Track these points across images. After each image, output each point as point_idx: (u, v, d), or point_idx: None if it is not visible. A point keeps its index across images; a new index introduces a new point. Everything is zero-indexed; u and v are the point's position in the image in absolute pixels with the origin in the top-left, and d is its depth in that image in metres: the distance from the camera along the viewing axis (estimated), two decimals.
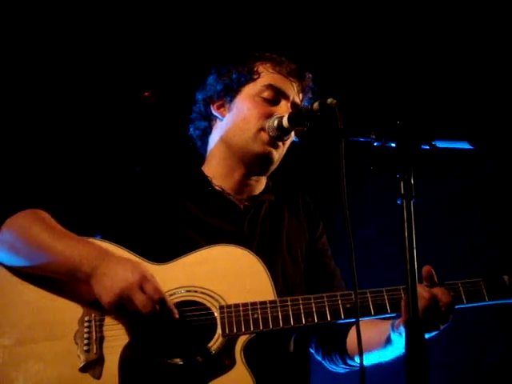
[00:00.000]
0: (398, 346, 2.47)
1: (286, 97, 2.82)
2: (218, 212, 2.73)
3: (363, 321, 2.48)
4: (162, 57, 4.53)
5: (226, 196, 2.79)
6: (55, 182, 4.23)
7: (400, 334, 2.40)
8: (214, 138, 2.91)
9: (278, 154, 2.79)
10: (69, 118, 4.47)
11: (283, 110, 2.77)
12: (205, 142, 2.96)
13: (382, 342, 2.53)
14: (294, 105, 2.83)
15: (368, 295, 2.44)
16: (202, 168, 2.90)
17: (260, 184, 2.89)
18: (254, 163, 2.78)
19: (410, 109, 4.37)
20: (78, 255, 2.40)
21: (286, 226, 2.83)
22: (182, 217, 2.67)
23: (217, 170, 2.84)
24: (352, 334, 2.68)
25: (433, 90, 4.51)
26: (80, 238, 2.50)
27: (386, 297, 2.45)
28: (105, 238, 2.56)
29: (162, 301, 2.32)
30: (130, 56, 4.48)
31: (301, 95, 2.88)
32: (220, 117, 2.88)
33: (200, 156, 3.00)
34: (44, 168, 4.36)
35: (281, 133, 2.72)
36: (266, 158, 2.76)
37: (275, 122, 2.70)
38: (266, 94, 2.80)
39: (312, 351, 2.82)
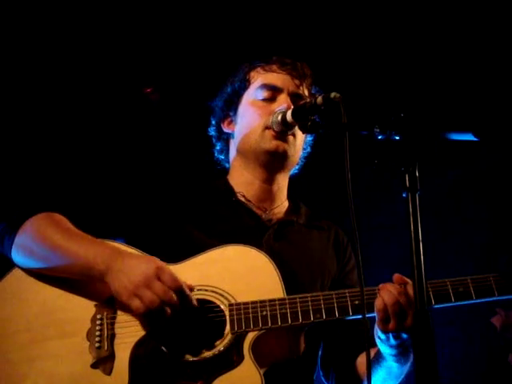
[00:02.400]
0: (385, 352, 2.47)
1: (281, 90, 2.85)
2: (238, 221, 2.77)
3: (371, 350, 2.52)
4: (164, 53, 4.55)
5: (248, 206, 2.82)
6: (70, 185, 4.26)
7: (379, 337, 2.42)
8: (231, 153, 2.99)
9: (290, 147, 2.81)
10: (83, 120, 4.49)
11: (282, 102, 2.80)
12: (228, 159, 3.04)
13: (376, 358, 2.54)
14: (293, 95, 2.86)
15: (377, 292, 2.43)
16: (227, 177, 2.97)
17: (281, 191, 2.91)
18: (269, 161, 2.81)
19: (414, 101, 4.37)
20: (92, 254, 2.43)
21: (310, 249, 2.83)
22: (202, 222, 2.71)
23: (239, 179, 2.90)
24: (360, 361, 2.70)
25: (436, 81, 4.51)
26: (93, 238, 2.53)
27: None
28: (127, 241, 2.60)
29: (180, 289, 2.35)
30: (131, 53, 4.49)
31: (298, 84, 2.90)
32: (231, 132, 2.97)
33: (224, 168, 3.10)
34: (58, 171, 4.39)
35: (285, 127, 2.73)
36: (278, 153, 2.78)
37: (279, 117, 2.73)
38: (261, 95, 2.86)
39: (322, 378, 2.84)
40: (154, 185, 2.85)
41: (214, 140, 3.08)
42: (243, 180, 2.88)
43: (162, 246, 2.62)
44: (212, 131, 3.07)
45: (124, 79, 4.57)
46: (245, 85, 2.92)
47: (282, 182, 2.92)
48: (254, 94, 2.89)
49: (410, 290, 2.35)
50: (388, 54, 4.58)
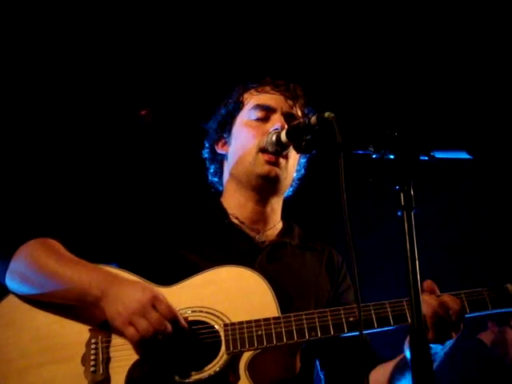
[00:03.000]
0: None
1: (275, 110, 2.88)
2: (231, 244, 2.77)
3: (383, 365, 2.54)
4: (159, 74, 4.57)
5: (241, 228, 2.82)
6: (64, 210, 4.25)
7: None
8: (225, 175, 3.00)
9: (282, 171, 2.82)
10: (76, 143, 4.50)
11: (276, 122, 2.82)
12: (221, 182, 3.05)
13: (401, 367, 2.54)
14: (286, 115, 2.88)
15: (371, 308, 2.44)
16: (221, 199, 2.98)
17: (274, 212, 2.92)
18: (261, 185, 2.82)
19: (408, 120, 4.40)
20: (86, 280, 2.43)
21: (303, 270, 2.82)
22: (193, 245, 2.71)
23: (231, 201, 2.91)
24: (374, 376, 2.66)
25: (429, 100, 4.54)
26: (88, 263, 2.52)
27: (389, 309, 2.45)
28: (120, 265, 2.60)
29: (175, 319, 2.34)
30: (126, 75, 4.50)
31: (292, 104, 2.92)
32: (225, 153, 2.98)
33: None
34: (52, 196, 4.37)
35: (280, 148, 2.74)
36: (269, 177, 2.79)
37: (273, 137, 2.74)
38: (254, 115, 2.88)
39: None
40: (147, 208, 2.85)
41: (207, 162, 3.09)
42: (236, 202, 2.89)
43: (156, 269, 2.61)
44: (206, 153, 3.08)
45: (116, 102, 4.58)
46: (238, 106, 2.94)
47: (276, 203, 2.92)
48: (247, 114, 2.91)
49: (448, 300, 2.38)
50: (381, 72, 4.62)
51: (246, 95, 2.96)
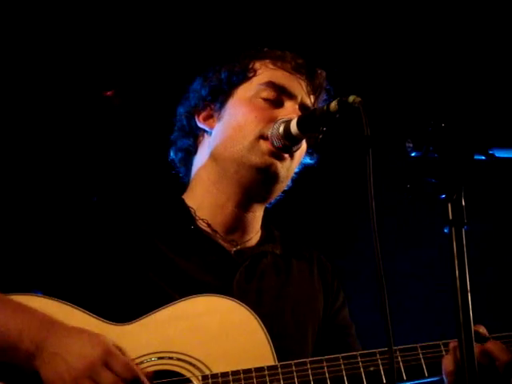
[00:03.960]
0: None
1: (293, 96, 2.83)
2: (201, 259, 2.71)
3: None
4: (127, 51, 4.57)
5: (213, 238, 2.78)
6: None
7: None
8: (200, 158, 2.91)
9: (284, 169, 2.77)
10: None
11: (289, 112, 2.77)
12: (189, 166, 2.96)
13: None
14: (303, 107, 2.84)
15: (398, 354, 2.41)
16: (184, 196, 2.89)
17: (256, 221, 2.88)
18: (253, 181, 2.76)
19: (458, 107, 4.37)
20: (15, 329, 2.34)
21: (292, 286, 2.81)
22: (151, 263, 2.64)
23: (203, 198, 2.83)
24: None
25: (487, 84, 4.51)
26: (15, 302, 2.43)
27: (421, 356, 2.42)
28: (46, 293, 2.51)
29: (135, 379, 2.28)
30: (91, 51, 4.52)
31: (312, 97, 2.90)
32: (208, 129, 2.89)
33: (181, 184, 2.99)
34: None
35: (288, 142, 2.70)
36: (268, 173, 2.74)
37: (281, 128, 2.69)
38: (265, 94, 2.81)
39: None
40: (85, 210, 2.76)
41: (177, 135, 2.99)
42: (210, 201, 2.82)
43: (105, 299, 2.54)
44: (179, 123, 2.99)
45: (82, 79, 4.58)
46: (245, 75, 2.86)
47: (260, 208, 2.89)
48: (255, 89, 2.83)
49: (493, 348, 2.36)
50: (422, 47, 4.59)
51: (258, 64, 2.89)
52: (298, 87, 2.86)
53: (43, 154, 4.47)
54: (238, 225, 2.82)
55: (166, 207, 2.84)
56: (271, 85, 2.82)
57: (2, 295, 2.45)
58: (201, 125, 2.91)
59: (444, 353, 2.41)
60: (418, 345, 2.45)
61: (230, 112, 2.85)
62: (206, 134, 2.91)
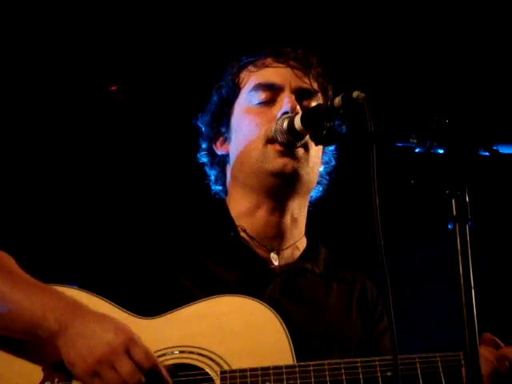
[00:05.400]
0: None
1: (281, 88, 2.86)
2: (235, 266, 2.74)
3: None
4: (131, 47, 4.58)
5: (251, 245, 2.80)
6: (16, 215, 4.23)
7: None
8: (228, 179, 2.98)
9: (301, 164, 2.78)
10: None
11: (285, 104, 2.80)
12: (226, 191, 3.02)
13: None
14: (298, 91, 2.86)
15: (416, 361, 2.41)
16: (227, 201, 2.95)
17: (296, 226, 2.88)
18: (276, 187, 2.79)
19: (462, 104, 4.36)
20: (40, 307, 2.39)
21: (326, 311, 2.79)
22: (184, 266, 2.69)
23: (237, 208, 2.88)
24: None
25: (491, 80, 4.51)
26: (45, 285, 2.49)
27: (440, 364, 2.42)
28: (81, 286, 2.57)
29: (153, 370, 2.31)
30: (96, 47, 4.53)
31: (302, 76, 2.91)
32: (226, 154, 2.97)
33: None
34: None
35: (292, 137, 2.71)
36: (285, 174, 2.76)
37: (285, 124, 2.71)
38: (256, 99, 2.86)
39: None
40: (123, 212, 2.83)
41: (207, 168, 3.07)
42: (245, 210, 2.86)
43: (135, 294, 2.60)
44: (203, 157, 3.07)
45: (88, 75, 4.59)
46: (234, 90, 2.93)
47: (298, 211, 2.88)
48: (247, 98, 2.89)
49: (508, 352, 2.37)
50: (426, 43, 4.58)
51: (242, 75, 2.94)
52: (285, 75, 2.89)
53: (43, 154, 4.50)
54: (276, 231, 2.85)
55: (209, 212, 2.91)
56: (258, 87, 2.88)
57: (32, 278, 2.50)
58: (219, 152, 3.00)
59: (463, 362, 2.37)
60: (437, 354, 2.44)
61: (235, 129, 2.92)
62: (227, 160, 2.97)
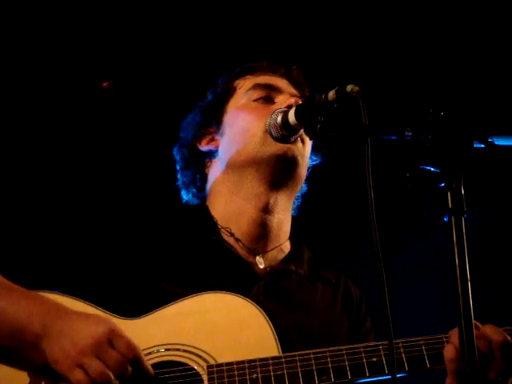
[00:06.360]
0: None
1: (280, 90, 2.93)
2: (219, 270, 2.75)
3: None
4: (124, 42, 4.58)
5: (235, 249, 2.81)
6: None
7: None
8: (213, 177, 2.97)
9: (299, 152, 2.82)
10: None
11: (282, 102, 2.84)
12: (203, 191, 3.02)
13: None
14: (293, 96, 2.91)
15: (400, 346, 2.45)
16: (207, 204, 2.95)
17: (281, 227, 2.90)
18: (276, 171, 2.81)
19: (457, 96, 4.37)
20: (24, 312, 2.39)
21: (311, 306, 2.81)
22: (167, 270, 2.70)
23: (226, 208, 2.89)
24: None
25: (486, 72, 4.51)
26: (28, 291, 2.49)
27: (423, 347, 2.46)
28: (63, 291, 2.58)
29: (136, 360, 2.31)
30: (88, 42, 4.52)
31: (297, 91, 2.99)
32: (213, 149, 2.98)
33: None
34: None
35: (286, 132, 2.73)
36: (287, 157, 2.79)
37: (278, 118, 2.72)
38: (255, 95, 2.92)
39: None
40: (103, 214, 2.83)
41: (182, 169, 3.08)
42: (234, 210, 2.87)
43: (118, 296, 2.61)
44: (181, 157, 3.08)
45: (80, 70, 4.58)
46: (230, 90, 2.98)
47: (284, 211, 2.90)
48: (244, 96, 2.94)
49: (490, 333, 2.39)
50: (420, 36, 4.59)
51: (238, 80, 3.01)
52: (283, 83, 2.98)
53: (42, 154, 4.49)
54: (262, 231, 2.86)
55: (190, 215, 2.90)
56: (258, 86, 2.94)
57: (15, 284, 2.50)
58: (205, 149, 3.01)
59: (445, 344, 2.44)
60: (420, 337, 2.48)
61: (230, 123, 2.95)
62: (212, 157, 2.99)
